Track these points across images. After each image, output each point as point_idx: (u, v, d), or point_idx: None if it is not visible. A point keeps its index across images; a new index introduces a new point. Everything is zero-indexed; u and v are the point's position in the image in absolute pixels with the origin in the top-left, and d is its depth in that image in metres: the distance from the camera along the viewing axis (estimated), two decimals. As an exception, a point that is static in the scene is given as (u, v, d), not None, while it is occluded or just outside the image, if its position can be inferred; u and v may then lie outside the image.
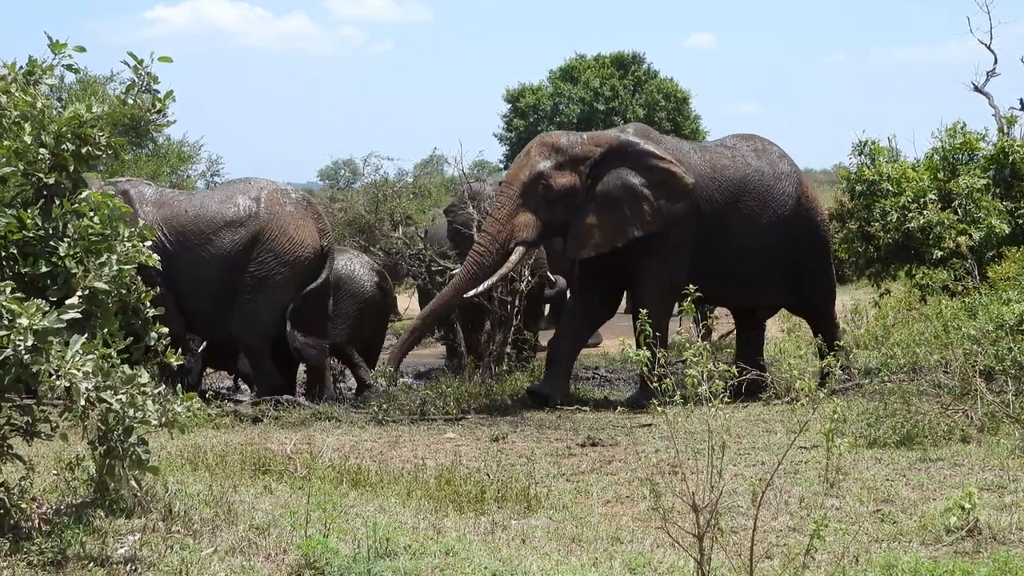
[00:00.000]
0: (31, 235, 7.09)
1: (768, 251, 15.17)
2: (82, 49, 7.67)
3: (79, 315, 6.75)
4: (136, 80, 7.89)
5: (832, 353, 8.52)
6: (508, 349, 16.67)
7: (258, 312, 14.44)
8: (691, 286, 7.49)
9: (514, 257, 14.82)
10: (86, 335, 6.69)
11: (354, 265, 16.03)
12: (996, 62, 23.57)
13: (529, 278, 16.12)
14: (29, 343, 6.30)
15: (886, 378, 12.48)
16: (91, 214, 7.32)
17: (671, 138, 16.29)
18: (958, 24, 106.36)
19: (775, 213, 15.29)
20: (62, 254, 7.07)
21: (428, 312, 15.40)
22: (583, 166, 14.78)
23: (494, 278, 14.78)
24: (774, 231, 15.23)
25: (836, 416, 9.09)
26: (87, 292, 6.99)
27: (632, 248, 14.79)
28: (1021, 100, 21.96)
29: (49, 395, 6.62)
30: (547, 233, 15.04)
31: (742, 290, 15.48)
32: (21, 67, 7.53)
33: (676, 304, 14.76)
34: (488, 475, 9.73)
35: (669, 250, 14.81)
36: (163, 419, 6.88)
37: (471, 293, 14.79)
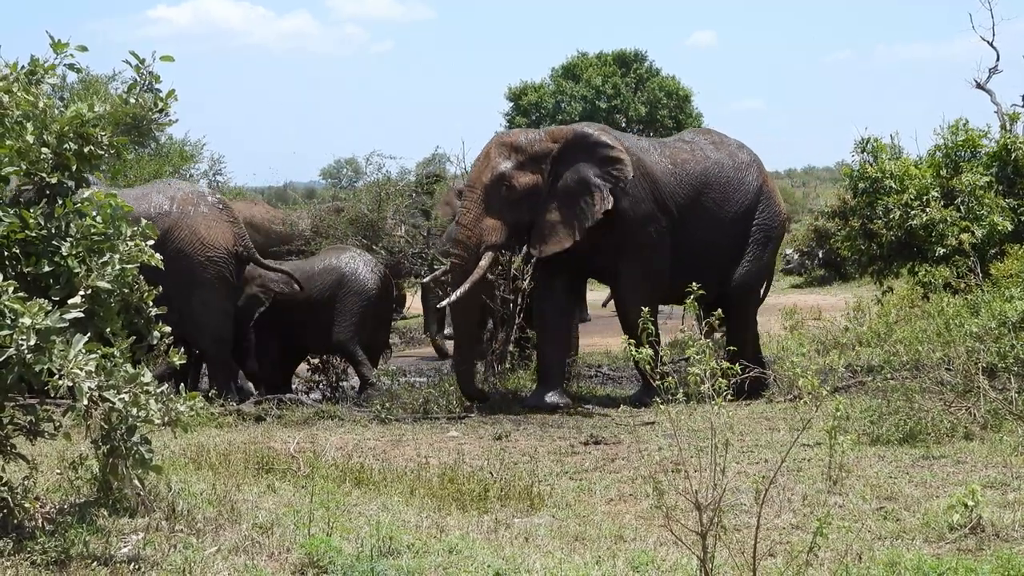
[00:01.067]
0: (34, 235, 7.09)
1: (727, 244, 15.20)
2: (84, 48, 7.67)
3: (82, 314, 6.75)
4: (138, 79, 7.90)
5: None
6: (511, 347, 16.67)
7: (194, 314, 14.41)
8: (693, 284, 7.48)
9: (484, 262, 14.65)
10: (89, 334, 6.69)
11: (357, 263, 16.03)
12: (998, 59, 23.57)
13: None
14: (32, 342, 6.30)
15: (889, 375, 12.47)
16: (93, 213, 7.32)
17: (631, 135, 16.17)
18: (960, 21, 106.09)
19: (737, 204, 15.29)
20: (65, 253, 7.08)
21: (456, 344, 15.42)
22: (544, 163, 14.70)
23: (466, 285, 14.57)
24: (734, 223, 15.24)
25: (839, 414, 9.10)
26: (90, 291, 7.00)
27: (603, 245, 14.76)
28: (1023, 96, 21.94)
29: (52, 394, 6.62)
30: (515, 234, 14.92)
31: (711, 284, 15.21)
32: (23, 67, 7.53)
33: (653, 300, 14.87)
34: (491, 473, 9.74)
35: (641, 246, 14.76)
36: (166, 418, 6.88)
37: (442, 304, 14.85)
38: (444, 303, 14.92)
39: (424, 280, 15.78)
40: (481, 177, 14.79)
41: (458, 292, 14.55)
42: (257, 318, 15.86)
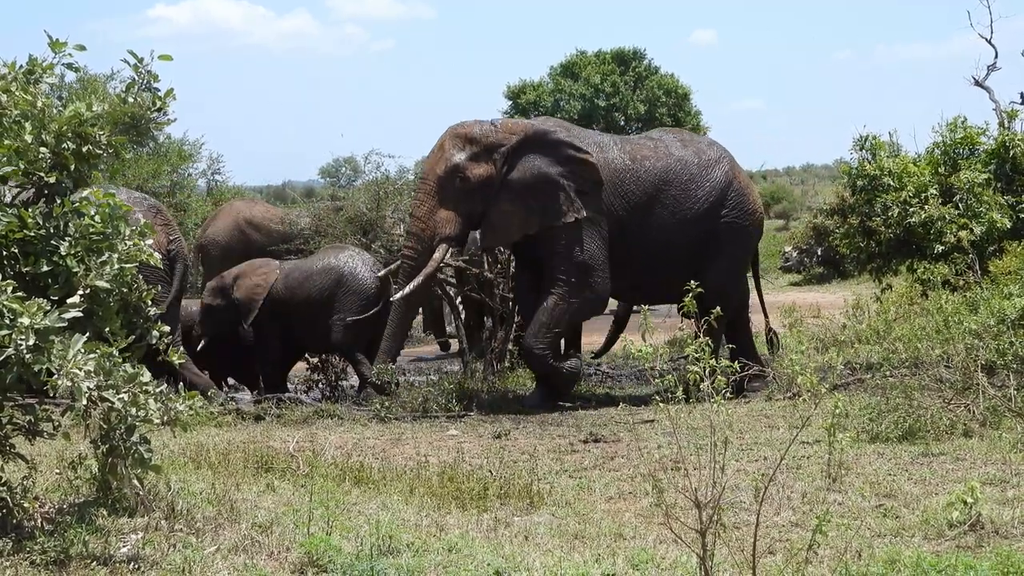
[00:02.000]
0: (32, 234, 7.09)
1: (691, 242, 14.98)
2: (82, 48, 7.67)
3: (80, 314, 6.75)
4: (136, 79, 7.89)
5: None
6: (510, 346, 16.67)
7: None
8: (692, 282, 7.47)
9: (438, 255, 14.72)
10: (87, 334, 6.69)
11: (356, 263, 16.02)
12: (997, 56, 23.56)
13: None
14: (31, 342, 6.30)
15: (888, 373, 12.48)
16: (92, 213, 7.32)
17: (590, 131, 16.07)
18: (959, 19, 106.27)
19: (702, 202, 15.09)
20: (63, 253, 7.07)
21: (389, 335, 15.32)
22: (498, 154, 14.66)
23: (419, 278, 14.65)
24: (699, 221, 15.05)
25: (838, 411, 9.10)
26: (88, 291, 7.00)
27: (544, 239, 14.71)
28: (1022, 94, 21.93)
29: (51, 394, 6.62)
30: (469, 225, 14.96)
31: (660, 284, 15.22)
32: (21, 66, 7.53)
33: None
34: (491, 472, 9.75)
35: (580, 243, 14.65)
36: (165, 418, 6.88)
37: (395, 297, 14.88)
38: (397, 296, 14.82)
39: (379, 274, 15.63)
40: (435, 169, 14.83)
41: (412, 284, 14.64)
42: (257, 318, 15.88)
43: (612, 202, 14.74)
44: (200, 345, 16.17)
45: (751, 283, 16.33)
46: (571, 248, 14.59)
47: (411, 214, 15.30)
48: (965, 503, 7.70)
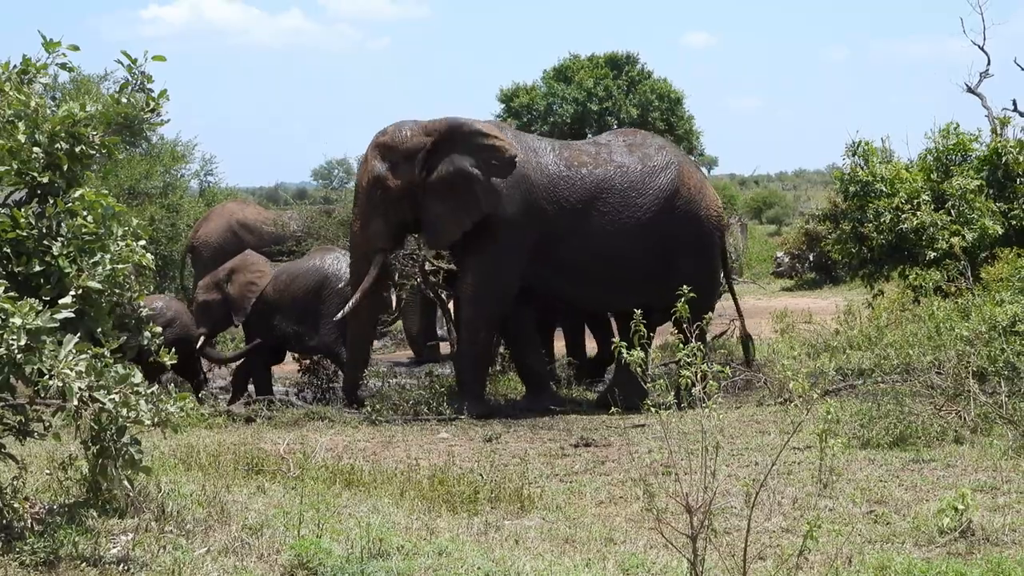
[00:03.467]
0: (25, 234, 7.08)
1: (635, 250, 14.75)
2: (76, 48, 7.67)
3: (72, 314, 6.73)
4: (130, 79, 7.89)
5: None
6: (501, 350, 16.68)
7: None
8: (685, 287, 7.46)
9: (373, 269, 14.73)
10: (79, 334, 6.68)
11: (341, 264, 15.98)
12: (989, 63, 23.65)
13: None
14: (22, 342, 6.29)
15: (879, 379, 12.51)
16: (84, 213, 7.31)
17: (530, 135, 15.86)
18: (951, 25, 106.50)
19: (644, 209, 14.79)
20: (56, 253, 7.07)
21: (350, 349, 15.38)
22: (417, 159, 14.59)
23: (357, 294, 14.73)
24: (643, 228, 14.76)
25: (829, 417, 9.08)
26: (80, 291, 6.99)
27: (467, 241, 14.69)
28: (1014, 101, 22.00)
29: (42, 394, 6.61)
30: (403, 234, 15.07)
31: (605, 293, 15.18)
32: (15, 66, 7.53)
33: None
34: (481, 475, 9.74)
35: (494, 251, 14.60)
36: (156, 419, 6.86)
37: (339, 315, 14.91)
38: (340, 314, 14.91)
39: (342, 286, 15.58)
40: (361, 182, 14.99)
41: (352, 301, 14.72)
42: (247, 319, 15.88)
43: (545, 208, 14.56)
44: (200, 343, 16.16)
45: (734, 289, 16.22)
46: (482, 251, 14.59)
47: (350, 228, 15.47)
48: (956, 510, 7.70)
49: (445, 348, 20.13)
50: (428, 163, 14.56)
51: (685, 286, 14.17)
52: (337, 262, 16.01)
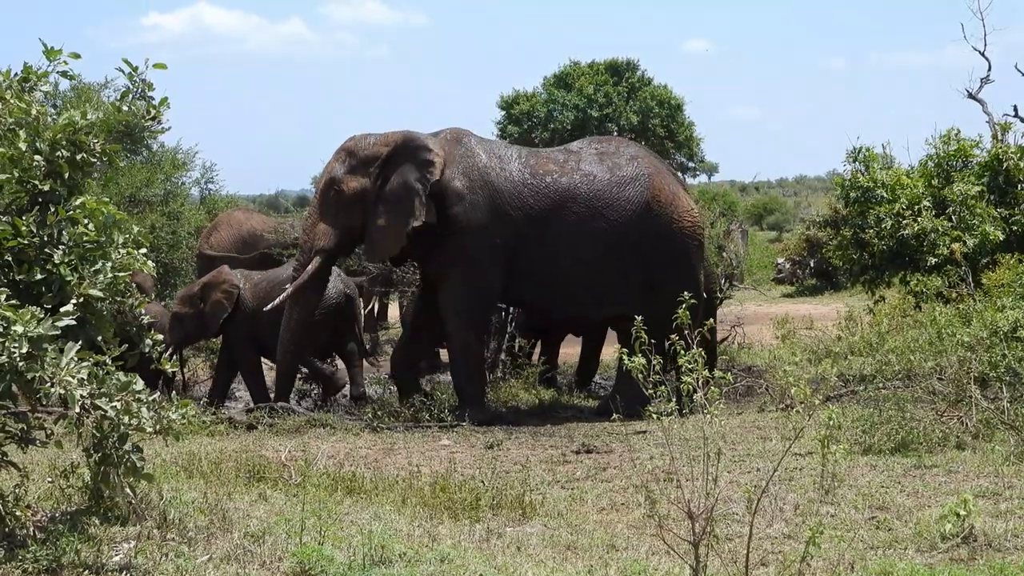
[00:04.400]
0: (26, 242, 7.08)
1: (603, 261, 14.63)
2: (77, 56, 7.66)
3: (74, 322, 6.73)
4: (131, 87, 7.89)
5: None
6: (503, 356, 16.68)
7: None
8: (686, 294, 7.45)
9: (311, 267, 14.77)
10: (81, 342, 6.68)
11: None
12: (990, 69, 23.60)
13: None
14: (24, 350, 6.29)
15: (881, 385, 12.51)
16: (86, 221, 7.31)
17: (500, 143, 15.74)
18: (952, 31, 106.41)
19: (612, 220, 14.66)
20: (57, 261, 7.06)
21: (282, 342, 15.35)
22: (372, 167, 14.69)
23: (290, 289, 14.81)
24: (611, 239, 14.62)
25: (831, 423, 9.09)
26: (82, 299, 6.99)
27: (434, 254, 14.75)
28: (1015, 107, 21.98)
29: (44, 402, 6.60)
30: (348, 238, 15.01)
31: (572, 302, 15.13)
32: (16, 74, 7.52)
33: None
34: (483, 482, 9.73)
35: (469, 258, 14.57)
36: (158, 426, 6.86)
37: (267, 308, 14.94)
38: (268, 307, 14.95)
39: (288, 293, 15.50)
40: (320, 182, 15.12)
41: (281, 296, 14.83)
42: (231, 329, 15.83)
43: (511, 214, 14.55)
44: (170, 352, 16.12)
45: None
46: (458, 257, 14.58)
47: (301, 226, 15.61)
48: (958, 515, 7.70)
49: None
50: (382, 173, 14.66)
51: (658, 298, 14.16)
52: None
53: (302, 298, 14.90)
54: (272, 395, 15.32)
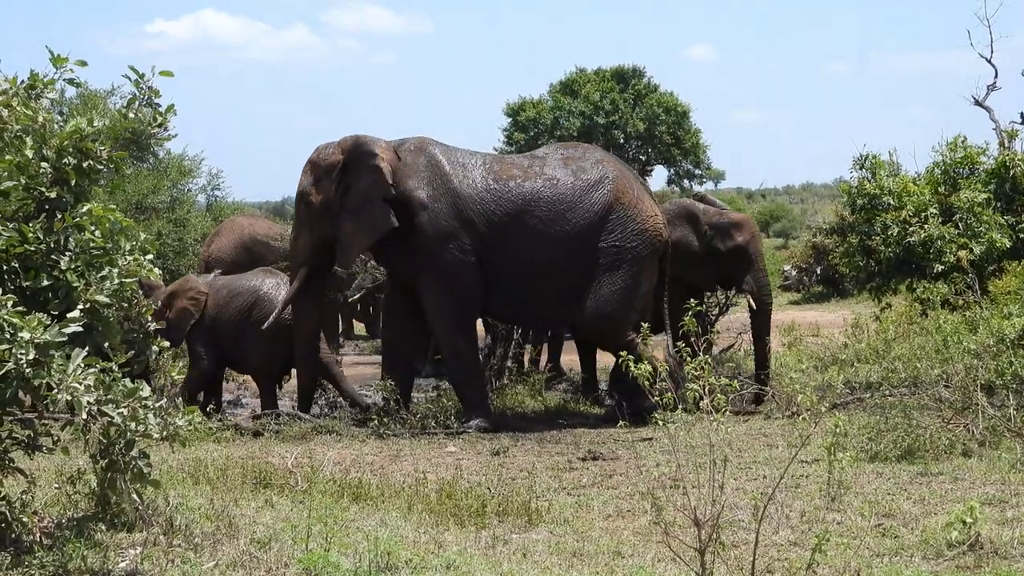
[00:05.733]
0: (33, 249, 7.09)
1: (567, 264, 14.55)
2: (83, 63, 7.67)
3: (80, 329, 6.74)
4: (137, 94, 7.90)
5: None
6: (508, 363, 16.67)
7: None
8: (692, 301, 7.47)
9: (296, 281, 14.95)
10: (87, 348, 6.69)
11: (267, 285, 15.75)
12: (997, 76, 23.61)
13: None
14: (31, 357, 6.29)
15: (887, 392, 12.50)
16: (92, 228, 7.32)
17: (464, 150, 15.41)
18: (959, 38, 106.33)
19: (575, 224, 14.55)
20: (64, 268, 7.07)
21: (297, 358, 15.39)
22: (333, 176, 14.74)
23: (280, 306, 14.96)
24: (575, 242, 14.53)
25: (837, 430, 9.10)
26: (88, 306, 6.99)
27: (404, 261, 14.81)
28: (1022, 114, 21.97)
29: (50, 409, 6.61)
30: (325, 249, 15.03)
31: (538, 307, 15.08)
32: (23, 81, 7.54)
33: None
34: (489, 489, 9.73)
35: (442, 263, 14.52)
36: (164, 432, 6.87)
37: (265, 326, 14.91)
38: (265, 325, 14.93)
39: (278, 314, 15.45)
40: (296, 197, 15.24)
41: (275, 314, 14.90)
42: (195, 335, 15.70)
43: (474, 220, 14.50)
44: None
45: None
46: (432, 263, 14.55)
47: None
48: (964, 523, 7.69)
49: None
50: (342, 181, 14.73)
51: (614, 300, 14.41)
52: (276, 288, 15.78)
53: (297, 311, 14.99)
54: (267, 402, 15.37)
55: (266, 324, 14.82)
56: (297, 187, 15.03)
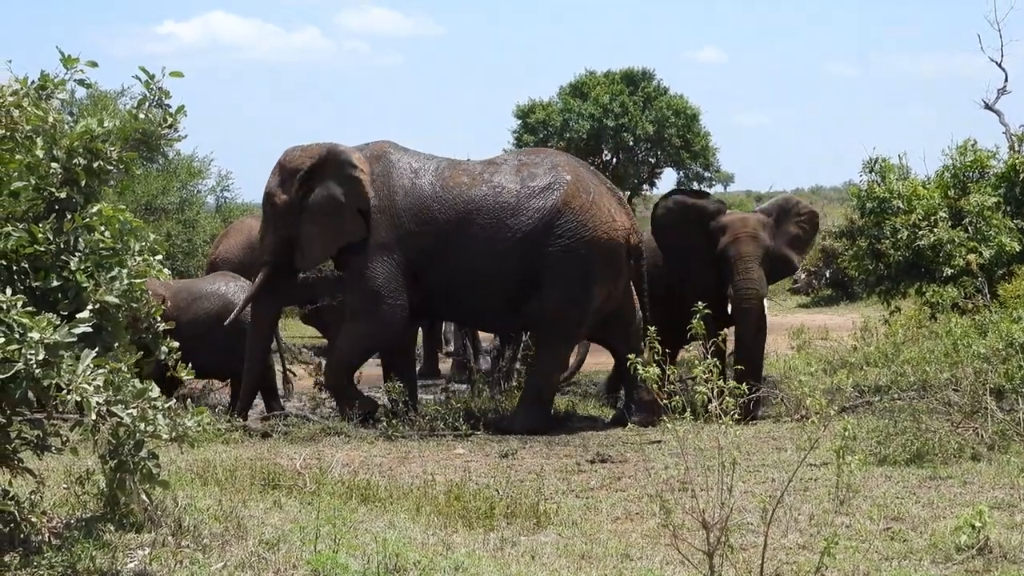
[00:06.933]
0: (42, 249, 7.09)
1: (510, 272, 14.44)
2: (94, 64, 7.67)
3: (90, 329, 6.75)
4: (148, 95, 7.90)
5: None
6: (517, 365, 16.67)
7: None
8: (699, 303, 7.46)
9: (258, 279, 15.11)
10: (97, 349, 6.69)
11: (225, 290, 15.72)
12: (1007, 79, 23.54)
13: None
14: (40, 357, 6.30)
15: (896, 396, 12.49)
16: (102, 228, 7.32)
17: (420, 154, 15.38)
18: (969, 41, 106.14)
19: (518, 230, 14.41)
20: (73, 268, 7.07)
21: (248, 354, 15.32)
22: (297, 179, 14.84)
23: (241, 303, 15.11)
24: (520, 249, 14.40)
25: (846, 434, 9.08)
26: (98, 306, 7.00)
27: (340, 266, 15.04)
28: (1031, 118, 21.93)
29: (59, 409, 6.62)
30: (286, 248, 15.09)
31: (484, 314, 15.21)
32: (33, 81, 7.54)
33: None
34: (497, 491, 9.74)
35: (369, 269, 14.62)
36: (174, 433, 6.87)
37: (227, 322, 14.98)
38: (228, 321, 15.00)
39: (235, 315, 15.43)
40: (262, 197, 15.40)
41: (237, 310, 15.05)
42: None
43: (416, 228, 14.50)
44: None
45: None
46: (360, 275, 14.65)
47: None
48: (973, 527, 7.69)
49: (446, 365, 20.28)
50: (307, 184, 14.82)
51: (551, 305, 14.31)
52: (219, 288, 15.75)
53: (256, 309, 15.11)
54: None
55: (227, 321, 14.85)
56: (264, 187, 15.19)
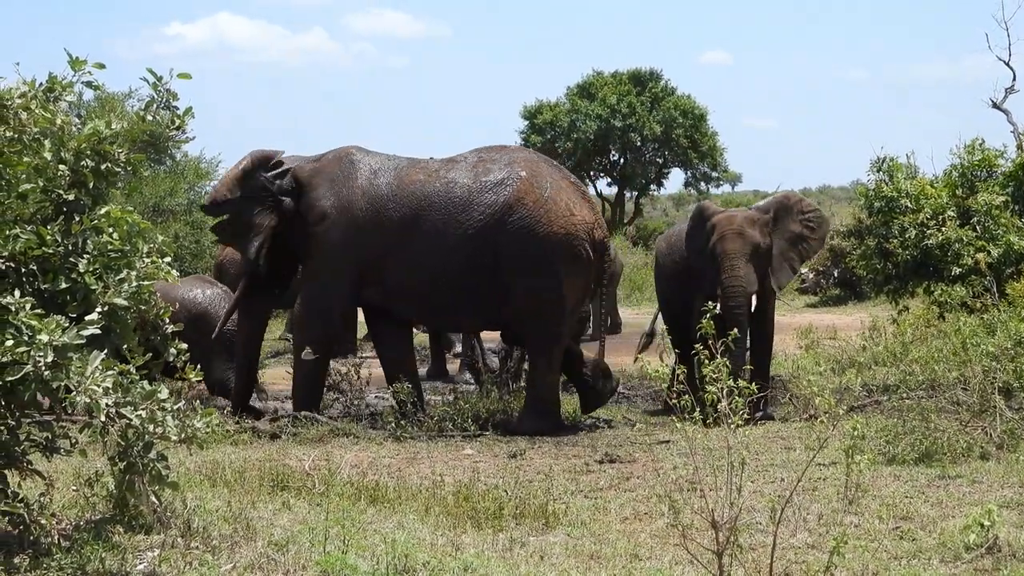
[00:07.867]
0: (51, 251, 7.11)
1: (462, 270, 14.31)
2: (102, 66, 7.69)
3: (99, 331, 6.76)
4: (155, 97, 7.91)
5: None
6: (526, 366, 16.67)
7: None
8: (710, 303, 7.46)
9: (239, 290, 15.28)
10: (105, 351, 6.70)
11: (202, 297, 15.69)
12: (1015, 78, 23.53)
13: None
14: (49, 359, 6.31)
15: (905, 395, 12.47)
16: (110, 230, 7.33)
17: (379, 155, 15.29)
18: (977, 41, 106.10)
19: (468, 227, 14.25)
20: (82, 270, 7.09)
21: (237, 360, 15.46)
22: (238, 188, 15.07)
23: (224, 315, 15.25)
24: (470, 246, 14.25)
25: (855, 433, 9.08)
26: (106, 308, 7.01)
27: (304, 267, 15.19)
28: (1040, 116, 21.92)
29: (68, 411, 6.63)
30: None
31: (439, 312, 15.20)
32: (41, 84, 7.55)
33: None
34: (506, 491, 9.73)
35: (315, 276, 14.90)
36: (183, 435, 6.88)
37: (215, 334, 15.07)
38: (215, 333, 15.09)
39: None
40: None
41: (221, 322, 15.15)
42: None
43: (372, 228, 14.49)
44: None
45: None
46: (309, 276, 15.01)
47: None
48: (982, 526, 7.67)
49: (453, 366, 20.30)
50: (243, 193, 15.00)
51: (522, 305, 14.20)
52: (201, 293, 15.75)
53: (243, 309, 15.29)
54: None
55: (215, 332, 14.90)
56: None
